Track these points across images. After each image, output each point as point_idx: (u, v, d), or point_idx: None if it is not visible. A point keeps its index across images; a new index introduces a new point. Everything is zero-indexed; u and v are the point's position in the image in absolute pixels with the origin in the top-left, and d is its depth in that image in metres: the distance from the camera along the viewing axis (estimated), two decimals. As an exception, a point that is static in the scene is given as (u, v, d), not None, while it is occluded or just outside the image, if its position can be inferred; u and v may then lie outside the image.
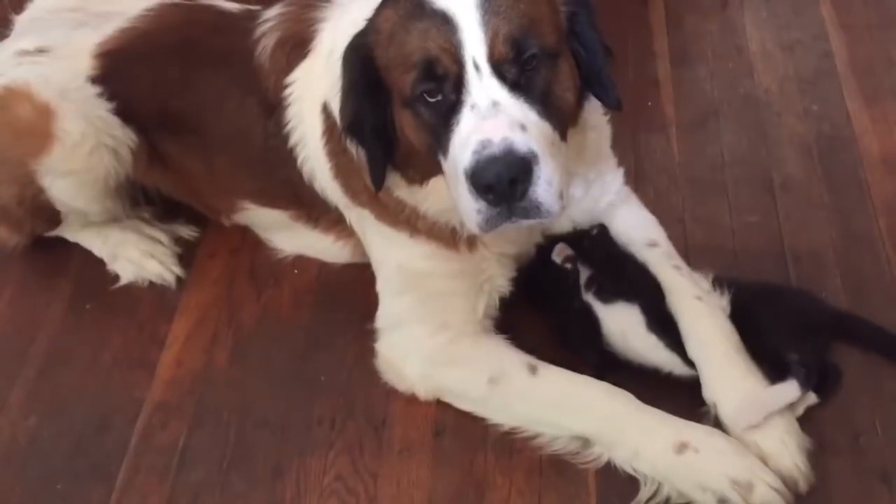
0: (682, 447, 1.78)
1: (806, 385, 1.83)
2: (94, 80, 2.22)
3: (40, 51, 2.25)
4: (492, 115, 1.58)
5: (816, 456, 1.79)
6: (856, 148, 2.45)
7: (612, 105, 1.84)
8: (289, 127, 2.07)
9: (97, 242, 2.42)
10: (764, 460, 1.76)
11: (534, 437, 1.91)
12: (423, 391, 2.00)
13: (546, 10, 1.70)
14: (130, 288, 2.37)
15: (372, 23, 1.75)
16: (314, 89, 2.01)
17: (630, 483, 1.82)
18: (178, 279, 2.37)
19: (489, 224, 1.66)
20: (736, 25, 2.89)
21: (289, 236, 2.35)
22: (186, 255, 2.43)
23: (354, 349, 2.12)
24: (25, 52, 2.25)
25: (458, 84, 1.62)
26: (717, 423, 1.84)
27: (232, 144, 2.21)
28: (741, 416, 1.79)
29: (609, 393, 1.88)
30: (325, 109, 1.98)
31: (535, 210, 1.63)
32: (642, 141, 2.54)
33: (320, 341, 2.19)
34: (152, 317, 2.30)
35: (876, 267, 2.14)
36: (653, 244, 2.10)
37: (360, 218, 2.08)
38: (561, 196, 1.65)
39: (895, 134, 2.47)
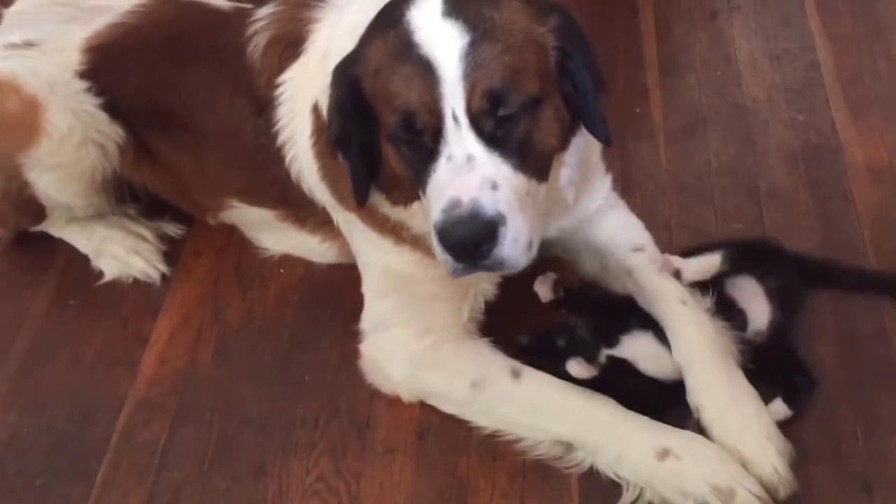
0: (664, 453, 1.79)
1: (793, 404, 1.86)
2: (82, 74, 2.21)
3: (28, 44, 2.24)
4: (465, 171, 1.59)
5: (798, 463, 1.79)
6: (841, 157, 2.47)
7: (602, 141, 1.82)
8: (278, 126, 2.07)
9: (82, 238, 2.41)
10: (744, 466, 1.76)
11: (517, 441, 1.91)
12: (407, 393, 2.00)
13: (533, 57, 1.65)
14: (115, 285, 2.36)
15: (361, 50, 1.72)
16: (306, 90, 2.01)
17: (613, 487, 1.82)
18: (164, 277, 2.36)
19: (456, 273, 1.68)
20: (724, 35, 2.91)
21: (276, 236, 2.34)
22: (172, 252, 2.42)
23: (339, 350, 2.12)
24: (13, 46, 2.24)
25: (437, 135, 1.62)
26: (701, 428, 1.84)
27: (221, 142, 2.20)
28: (665, 264, 1.91)
29: (591, 399, 1.88)
30: (316, 110, 1.98)
31: (499, 266, 1.66)
32: (630, 148, 2.55)
33: (305, 341, 2.18)
34: (136, 314, 2.29)
35: (859, 276, 2.16)
36: (638, 249, 2.10)
37: (346, 221, 2.08)
38: (530, 247, 1.67)
39: (880, 144, 2.49)
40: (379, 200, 1.91)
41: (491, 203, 1.59)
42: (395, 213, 1.91)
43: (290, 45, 2.07)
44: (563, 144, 1.80)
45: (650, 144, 2.57)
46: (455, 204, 1.59)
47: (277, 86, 2.06)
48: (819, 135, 2.54)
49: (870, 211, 2.32)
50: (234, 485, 1.94)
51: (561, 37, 1.68)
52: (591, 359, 1.93)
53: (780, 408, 1.87)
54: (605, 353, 1.94)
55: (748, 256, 2.05)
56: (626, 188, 2.37)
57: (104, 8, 2.28)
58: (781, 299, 1.99)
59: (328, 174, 2.02)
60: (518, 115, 1.64)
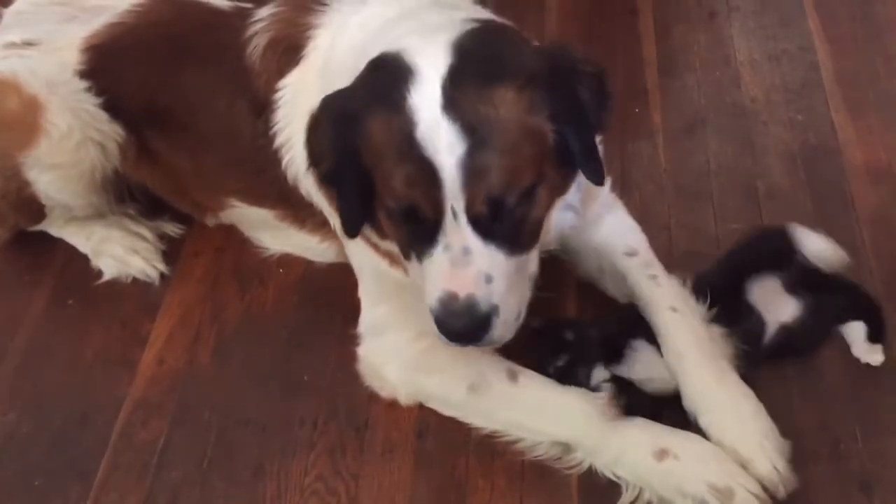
0: (662, 454, 1.79)
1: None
2: (82, 74, 2.21)
3: (28, 44, 2.24)
4: (461, 264, 1.63)
5: (796, 463, 1.79)
6: (840, 158, 2.46)
7: (596, 184, 1.82)
8: (276, 128, 2.07)
9: (81, 238, 2.41)
10: (743, 465, 1.77)
11: (516, 442, 1.90)
12: (405, 397, 2.00)
13: (530, 149, 1.65)
14: (114, 284, 2.36)
15: (360, 119, 1.66)
16: (305, 97, 1.99)
17: (612, 486, 1.82)
18: (162, 276, 2.36)
19: (447, 344, 1.75)
20: (724, 36, 2.91)
21: (275, 235, 2.34)
22: (171, 252, 2.42)
23: (338, 350, 2.12)
24: (13, 45, 2.23)
25: (436, 226, 1.65)
26: (700, 432, 1.84)
27: (220, 142, 2.20)
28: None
29: (589, 400, 1.88)
30: None
31: (488, 343, 1.73)
32: (629, 148, 2.54)
33: (304, 341, 2.18)
34: (135, 314, 2.29)
35: (858, 277, 2.14)
36: (631, 253, 2.10)
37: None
38: (518, 318, 1.73)
39: (879, 145, 2.49)
40: (373, 235, 1.92)
41: (486, 298, 1.65)
42: (386, 244, 1.92)
43: (289, 48, 2.06)
44: (562, 191, 1.83)
45: (649, 145, 2.57)
46: (452, 298, 1.65)
47: (277, 89, 2.05)
48: (818, 135, 2.54)
49: (869, 211, 2.32)
50: (232, 485, 1.94)
51: (558, 118, 1.66)
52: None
53: (875, 354, 1.91)
54: (604, 370, 1.94)
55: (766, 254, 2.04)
56: (625, 189, 2.37)
57: (103, 7, 2.28)
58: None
59: None
60: (514, 207, 1.66)
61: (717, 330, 1.94)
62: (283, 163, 2.08)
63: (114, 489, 1.95)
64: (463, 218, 1.62)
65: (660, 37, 2.93)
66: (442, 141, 1.58)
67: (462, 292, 1.64)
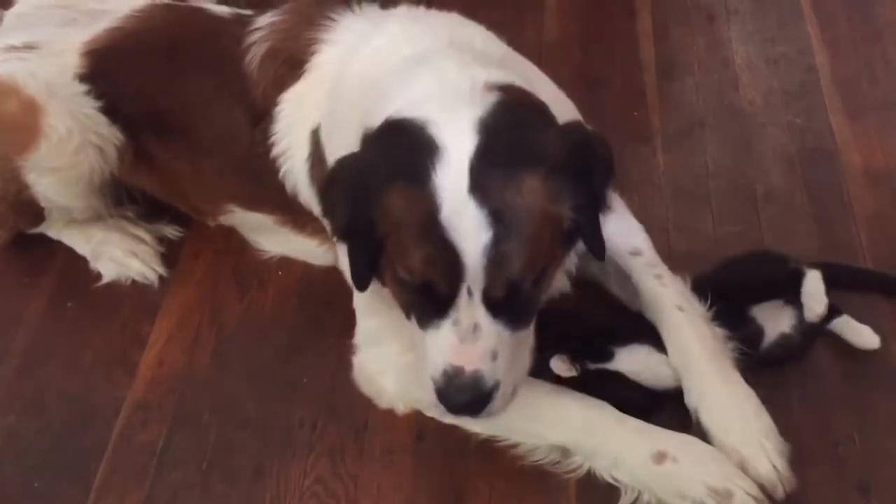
0: (660, 457, 1.79)
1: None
2: (82, 78, 2.21)
3: (28, 47, 2.24)
4: (470, 340, 1.63)
5: (795, 465, 1.79)
6: (838, 161, 2.47)
7: (598, 258, 1.84)
8: (273, 139, 2.07)
9: (80, 240, 2.41)
10: (743, 465, 1.77)
11: (514, 446, 1.90)
12: (402, 406, 2.00)
13: (549, 235, 1.64)
14: (113, 287, 2.36)
15: (379, 190, 1.62)
16: (306, 115, 2.00)
17: (611, 489, 1.83)
18: (161, 279, 2.36)
19: (444, 415, 1.79)
20: (722, 38, 2.92)
21: (275, 239, 2.34)
22: (170, 254, 2.41)
23: (338, 352, 2.11)
24: (13, 48, 2.23)
25: (448, 301, 1.64)
26: (700, 429, 1.85)
27: (218, 149, 2.20)
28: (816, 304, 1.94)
29: (587, 404, 1.88)
30: (315, 136, 1.98)
31: (485, 415, 1.73)
32: (628, 151, 2.54)
33: (303, 344, 2.18)
34: (134, 316, 2.29)
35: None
36: (636, 253, 2.11)
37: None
38: (514, 393, 1.75)
39: (877, 147, 2.49)
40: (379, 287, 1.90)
41: (490, 374, 1.66)
42: (386, 292, 1.89)
43: (289, 61, 2.05)
44: (564, 264, 1.87)
45: (648, 147, 2.57)
46: (457, 372, 1.66)
47: (277, 102, 2.05)
48: (816, 138, 2.55)
49: (867, 214, 2.32)
50: (231, 487, 1.94)
51: (577, 207, 1.66)
52: (575, 359, 1.93)
53: (868, 336, 1.95)
54: (601, 365, 1.94)
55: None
56: (624, 191, 2.37)
57: (104, 11, 2.28)
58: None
59: None
60: (527, 289, 1.67)
61: (719, 331, 1.96)
62: (281, 173, 2.09)
63: (113, 491, 1.95)
64: (478, 297, 1.62)
65: (658, 39, 2.93)
66: (468, 226, 1.55)
67: (469, 367, 1.65)
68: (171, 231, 2.46)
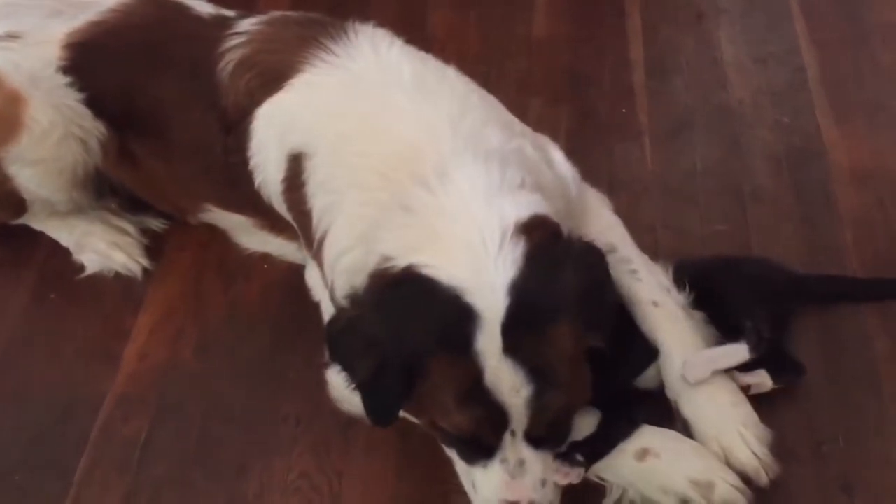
0: (643, 453, 1.80)
1: (756, 349, 1.88)
2: (64, 70, 2.18)
3: (11, 37, 2.21)
4: (519, 474, 1.70)
5: (778, 456, 1.81)
6: (825, 161, 2.48)
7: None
8: (248, 152, 2.05)
9: (63, 232, 2.39)
10: (725, 455, 1.79)
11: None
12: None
13: (581, 368, 1.71)
14: (96, 279, 2.34)
15: (421, 360, 1.64)
16: (283, 135, 1.97)
17: (595, 488, 1.83)
18: (145, 271, 2.34)
19: None
20: (711, 38, 2.92)
21: (255, 239, 2.33)
22: (154, 247, 2.40)
23: (323, 347, 2.10)
24: (-2, 38, 2.21)
25: (494, 445, 1.70)
26: (683, 422, 1.86)
27: (193, 154, 2.18)
28: (689, 372, 1.85)
29: None
30: (294, 162, 1.94)
31: None
32: (616, 149, 2.55)
33: (288, 338, 2.17)
34: (117, 309, 2.27)
35: (841, 279, 2.17)
36: (609, 250, 2.09)
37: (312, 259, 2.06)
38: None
39: (864, 148, 2.50)
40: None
41: (543, 499, 1.72)
42: None
43: (265, 75, 2.02)
44: None
45: (636, 146, 2.58)
46: None
47: (248, 115, 2.02)
48: (803, 138, 2.55)
49: (852, 214, 2.33)
50: (214, 482, 1.93)
51: (599, 337, 1.70)
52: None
53: (763, 378, 1.90)
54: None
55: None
56: (612, 190, 2.37)
57: (89, 3, 2.25)
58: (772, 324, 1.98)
59: (299, 220, 2.01)
60: (565, 419, 1.75)
61: (698, 315, 1.97)
62: (256, 183, 2.07)
63: (95, 485, 1.94)
64: (520, 436, 1.68)
65: (647, 38, 2.93)
66: (510, 385, 1.61)
67: (524, 500, 1.71)
68: (156, 223, 2.44)
